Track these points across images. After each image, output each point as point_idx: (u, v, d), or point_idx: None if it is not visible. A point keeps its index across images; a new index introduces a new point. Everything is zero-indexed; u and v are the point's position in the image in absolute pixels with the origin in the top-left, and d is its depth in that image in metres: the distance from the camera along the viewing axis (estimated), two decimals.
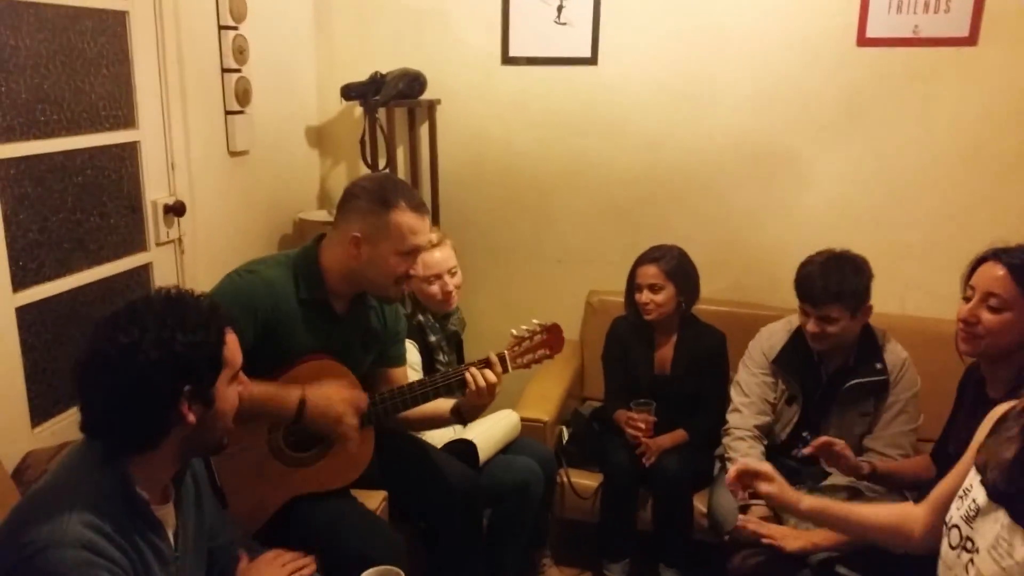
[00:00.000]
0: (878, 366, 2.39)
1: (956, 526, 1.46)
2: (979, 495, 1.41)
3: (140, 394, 1.33)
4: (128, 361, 1.31)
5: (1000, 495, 1.37)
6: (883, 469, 2.25)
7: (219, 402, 1.41)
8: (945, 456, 2.10)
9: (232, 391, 1.46)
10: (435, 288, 2.59)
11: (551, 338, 2.17)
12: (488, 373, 2.09)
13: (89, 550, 1.24)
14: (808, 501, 1.83)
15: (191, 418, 1.37)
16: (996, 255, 1.83)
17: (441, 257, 2.60)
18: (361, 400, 2.03)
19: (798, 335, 2.49)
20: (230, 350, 1.43)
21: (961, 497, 1.47)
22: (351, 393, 2.02)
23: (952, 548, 1.46)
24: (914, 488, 2.27)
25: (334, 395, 1.99)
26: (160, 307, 1.37)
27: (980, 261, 1.86)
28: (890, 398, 2.39)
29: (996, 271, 1.80)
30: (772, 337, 2.55)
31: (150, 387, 1.32)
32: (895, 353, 2.41)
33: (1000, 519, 1.35)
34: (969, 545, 1.41)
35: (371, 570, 1.58)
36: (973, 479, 1.45)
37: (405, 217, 2.00)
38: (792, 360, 2.48)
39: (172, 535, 1.45)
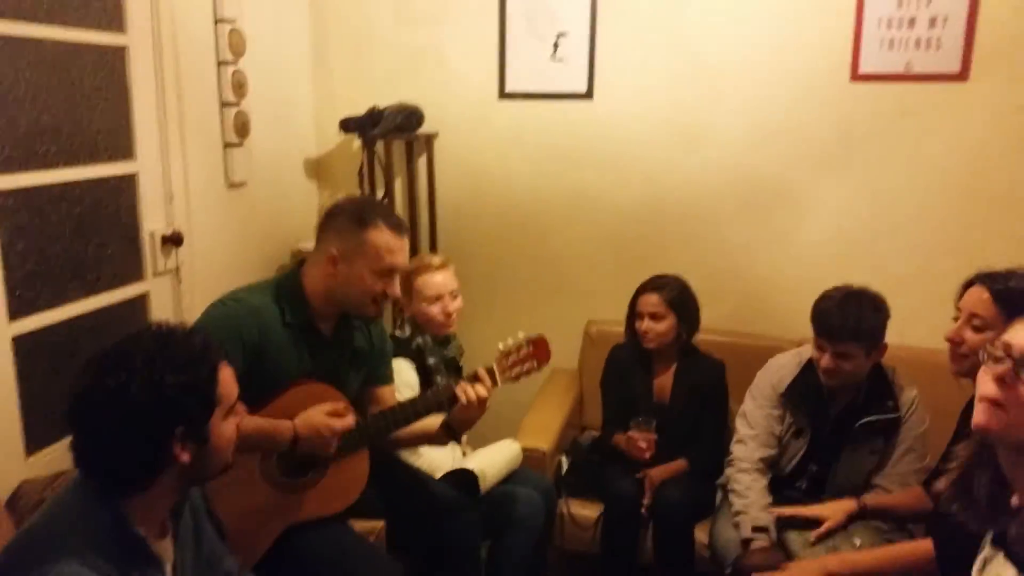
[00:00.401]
0: (890, 404, 2.38)
1: None
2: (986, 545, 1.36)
3: (130, 437, 1.30)
4: (116, 404, 1.29)
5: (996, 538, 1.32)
6: (873, 504, 2.25)
7: (215, 439, 1.39)
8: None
9: (228, 426, 1.43)
10: (435, 309, 2.58)
11: (538, 350, 2.18)
12: (479, 387, 2.08)
13: None
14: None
15: (184, 457, 1.34)
16: (982, 279, 1.92)
17: (442, 280, 2.60)
18: (347, 422, 2.00)
19: (808, 369, 2.46)
20: (224, 386, 1.41)
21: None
22: (336, 413, 1.99)
23: None
24: (913, 521, 2.27)
25: (319, 421, 1.96)
26: (149, 346, 1.34)
27: (968, 284, 1.96)
28: (901, 436, 2.38)
29: (981, 294, 1.90)
30: (781, 370, 2.52)
31: (140, 430, 1.30)
32: (907, 392, 2.41)
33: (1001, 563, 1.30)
34: None
35: None
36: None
37: (382, 236, 2.01)
38: (801, 394, 2.46)
39: (171, 569, 1.42)
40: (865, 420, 2.37)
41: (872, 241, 3.04)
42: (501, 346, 2.17)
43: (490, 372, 2.13)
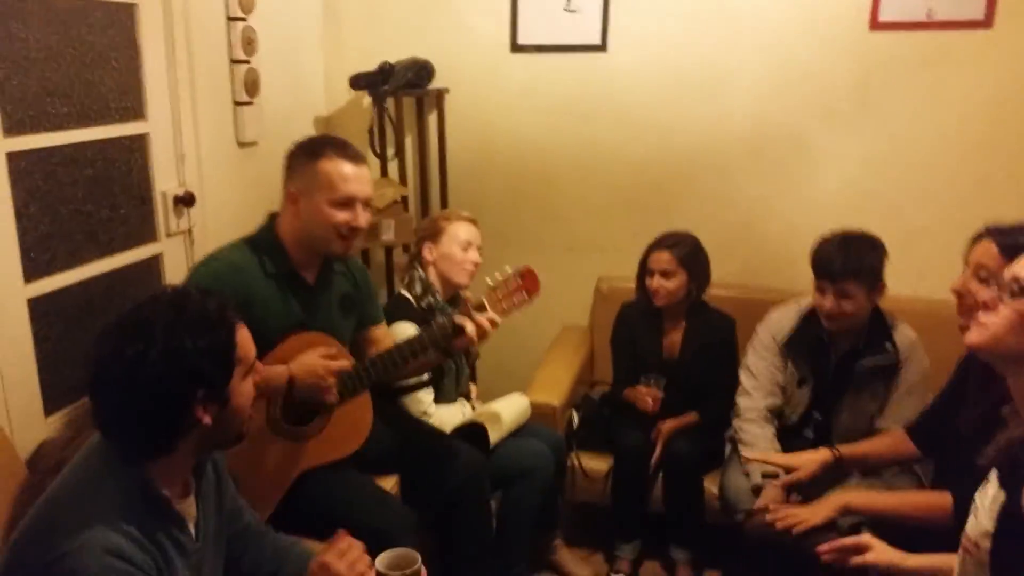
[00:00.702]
0: (889, 348, 2.39)
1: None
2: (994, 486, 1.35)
3: (151, 404, 1.30)
4: (137, 372, 1.28)
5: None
6: (849, 454, 2.25)
7: (235, 398, 1.39)
8: (935, 435, 2.11)
9: (247, 385, 1.44)
10: (465, 255, 2.60)
11: (527, 281, 2.19)
12: (491, 314, 2.11)
13: (114, 555, 1.23)
14: (913, 559, 1.67)
15: (207, 420, 1.34)
16: (990, 233, 1.87)
17: (473, 231, 2.64)
18: (342, 363, 2.03)
19: (808, 318, 2.49)
20: (242, 347, 1.40)
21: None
22: (330, 357, 2.01)
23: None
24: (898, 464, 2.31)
25: (315, 362, 1.99)
26: (166, 312, 1.33)
27: (977, 238, 1.90)
28: (900, 379, 2.39)
29: (989, 248, 1.85)
30: (781, 320, 2.55)
31: (161, 397, 1.30)
32: (905, 335, 2.41)
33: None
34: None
35: (387, 552, 1.55)
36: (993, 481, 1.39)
37: (334, 165, 2.01)
38: (802, 343, 2.48)
39: (193, 526, 1.44)
40: (865, 364, 2.39)
41: (887, 193, 3.00)
42: (489, 281, 2.18)
43: (480, 307, 2.14)
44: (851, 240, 2.35)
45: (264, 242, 2.10)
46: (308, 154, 2.05)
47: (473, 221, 2.67)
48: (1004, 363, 1.38)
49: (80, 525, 1.24)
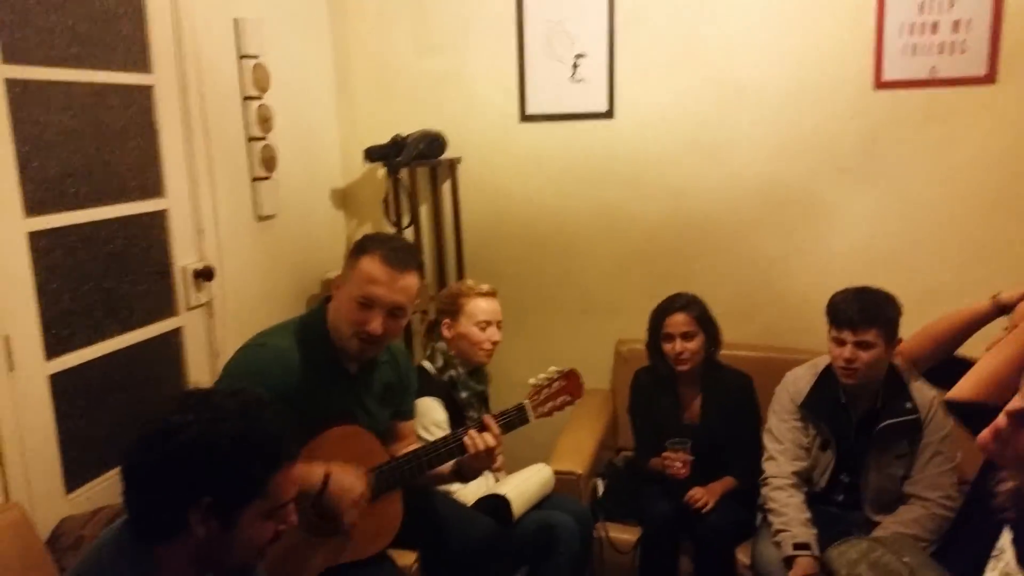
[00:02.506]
0: (908, 405, 2.37)
1: None
2: (1010, 557, 1.31)
3: (158, 478, 1.26)
4: (164, 441, 1.25)
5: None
6: None
7: (241, 531, 1.30)
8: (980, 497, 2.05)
9: (263, 527, 1.33)
10: (483, 335, 2.59)
11: (571, 384, 2.17)
12: (487, 436, 2.06)
13: None
14: None
15: (200, 531, 1.27)
16: None
17: (491, 307, 2.62)
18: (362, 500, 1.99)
19: (824, 377, 2.48)
20: (279, 485, 1.32)
21: (996, 557, 1.37)
22: (363, 486, 1.98)
23: None
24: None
25: (353, 484, 1.95)
26: (232, 404, 1.30)
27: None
28: (924, 439, 2.36)
29: None
30: (798, 381, 2.53)
31: (169, 476, 1.26)
32: (922, 392, 2.39)
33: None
34: None
35: None
36: (1006, 538, 1.35)
37: (370, 263, 1.96)
38: (820, 403, 2.47)
39: None
40: (886, 423, 2.36)
41: (902, 251, 3.00)
42: (533, 381, 2.15)
43: (520, 409, 2.12)
44: (868, 291, 2.38)
45: (311, 329, 2.06)
46: (358, 248, 2.03)
47: (492, 294, 2.66)
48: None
49: None
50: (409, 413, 2.31)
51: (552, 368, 2.16)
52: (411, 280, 2.01)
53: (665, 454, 2.62)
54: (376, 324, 1.96)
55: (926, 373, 2.27)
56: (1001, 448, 1.18)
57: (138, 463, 1.28)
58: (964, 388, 1.68)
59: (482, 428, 2.08)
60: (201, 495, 1.25)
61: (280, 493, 1.32)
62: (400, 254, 2.00)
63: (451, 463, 2.14)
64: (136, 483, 1.29)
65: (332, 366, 2.06)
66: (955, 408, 1.73)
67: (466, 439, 2.05)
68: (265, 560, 1.45)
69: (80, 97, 2.23)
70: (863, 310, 2.31)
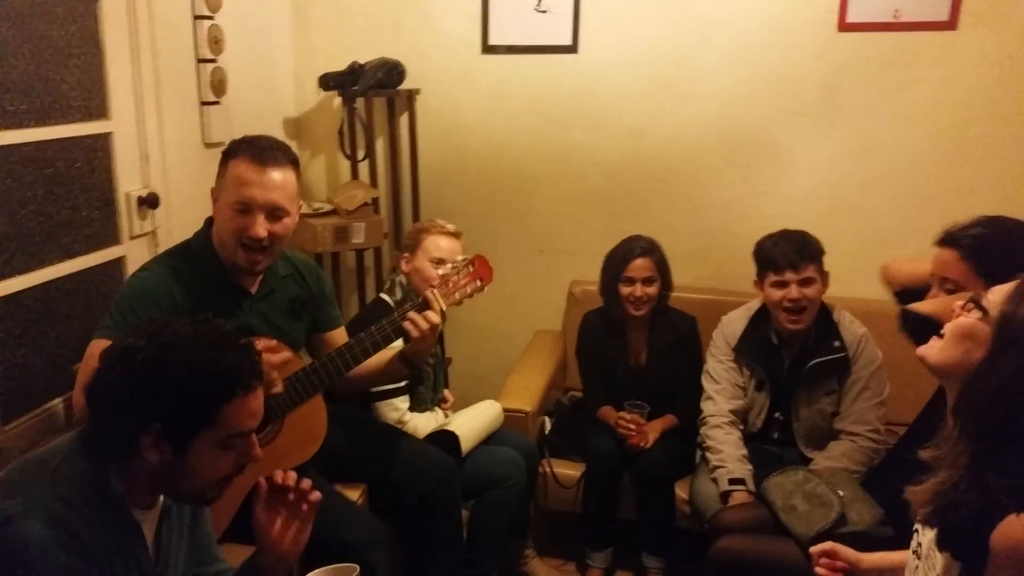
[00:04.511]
0: (836, 344, 2.44)
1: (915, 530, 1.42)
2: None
3: (110, 402, 1.27)
4: (121, 363, 1.26)
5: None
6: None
7: (193, 458, 1.29)
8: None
9: (217, 456, 1.32)
10: (435, 272, 2.55)
11: (479, 268, 2.14)
12: (429, 314, 2.01)
13: (58, 527, 1.19)
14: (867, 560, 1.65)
15: (152, 457, 1.27)
16: (943, 241, 1.86)
17: (450, 246, 2.58)
18: (284, 355, 1.93)
19: (757, 320, 2.55)
20: (230, 415, 1.29)
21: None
22: (270, 350, 1.87)
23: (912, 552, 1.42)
24: None
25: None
26: (188, 332, 1.28)
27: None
28: (852, 375, 2.44)
29: (946, 255, 1.84)
30: (732, 324, 2.60)
31: (122, 399, 1.26)
32: (851, 330, 2.46)
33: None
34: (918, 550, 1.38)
35: (321, 569, 1.45)
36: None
37: (239, 166, 1.88)
38: (753, 346, 2.53)
39: (152, 545, 1.38)
40: (814, 362, 2.43)
41: (859, 194, 3.02)
42: (441, 271, 2.14)
43: (423, 306, 2.06)
44: (794, 232, 2.45)
45: (196, 248, 1.99)
46: (226, 152, 1.93)
47: (455, 235, 2.61)
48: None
49: (26, 489, 1.21)
50: (333, 322, 2.25)
51: (459, 256, 2.14)
52: (285, 176, 1.92)
53: (620, 414, 2.64)
54: (258, 228, 1.88)
55: (899, 293, 2.24)
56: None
57: (95, 384, 1.29)
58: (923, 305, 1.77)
59: (423, 308, 2.03)
60: (152, 421, 1.25)
61: (232, 423, 1.30)
62: (269, 152, 1.91)
63: (390, 357, 2.12)
64: (92, 404, 1.31)
65: (226, 285, 1.99)
66: (910, 320, 1.78)
67: (407, 323, 2.00)
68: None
69: (20, 8, 2.12)
70: (799, 249, 2.39)
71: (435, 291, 2.05)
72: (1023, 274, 1.67)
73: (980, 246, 1.80)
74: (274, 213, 1.91)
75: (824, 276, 2.43)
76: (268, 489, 1.53)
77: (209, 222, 2.02)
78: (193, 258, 1.98)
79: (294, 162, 1.98)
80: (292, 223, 1.97)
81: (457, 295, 2.10)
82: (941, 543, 1.23)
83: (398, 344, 2.10)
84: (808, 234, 2.45)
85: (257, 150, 1.90)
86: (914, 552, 1.40)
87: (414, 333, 2.00)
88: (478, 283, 2.13)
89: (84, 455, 1.29)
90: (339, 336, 2.24)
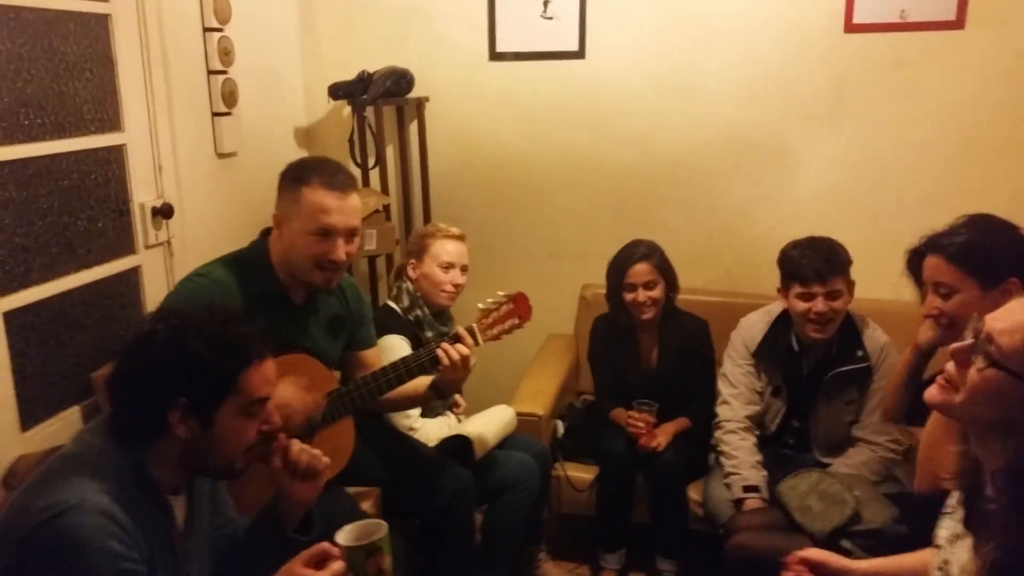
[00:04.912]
0: (859, 353, 2.40)
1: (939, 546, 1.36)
2: (960, 516, 1.30)
3: (138, 386, 1.34)
4: (141, 348, 1.34)
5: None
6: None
7: (219, 429, 1.37)
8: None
9: (242, 424, 1.40)
10: (446, 276, 2.57)
11: (518, 306, 2.15)
12: (460, 347, 2.05)
13: (107, 517, 1.25)
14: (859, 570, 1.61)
15: (181, 431, 1.34)
16: (929, 248, 1.88)
17: (457, 250, 2.61)
18: (315, 398, 1.99)
19: (777, 326, 2.49)
20: (250, 381, 1.37)
21: (948, 514, 1.37)
22: (305, 399, 1.97)
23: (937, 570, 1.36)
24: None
25: (294, 401, 1.93)
26: (200, 313, 1.38)
27: (919, 257, 1.91)
28: (874, 384, 2.40)
29: (935, 262, 1.85)
30: (752, 327, 2.55)
31: (146, 382, 1.33)
32: (874, 339, 2.42)
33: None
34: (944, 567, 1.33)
35: (350, 525, 1.47)
36: (956, 496, 1.35)
37: (315, 194, 1.94)
38: (773, 351, 2.49)
39: (183, 522, 1.45)
40: (835, 371, 2.39)
41: (867, 196, 3.02)
42: (481, 305, 2.15)
43: (471, 331, 2.10)
44: (818, 242, 2.37)
45: (252, 260, 2.04)
46: (293, 178, 1.99)
47: (460, 238, 2.64)
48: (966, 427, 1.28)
49: (73, 483, 1.27)
50: (367, 342, 2.29)
51: (500, 292, 2.16)
52: (357, 200, 2.03)
53: (630, 413, 2.65)
54: (340, 252, 1.98)
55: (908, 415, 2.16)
56: (951, 396, 1.21)
57: (118, 373, 1.36)
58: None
59: (455, 340, 2.08)
60: (177, 397, 1.32)
61: (252, 389, 1.38)
62: (340, 176, 1.99)
63: (427, 385, 2.17)
64: (118, 392, 1.37)
65: (277, 299, 2.04)
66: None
67: (439, 352, 2.05)
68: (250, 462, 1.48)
69: (33, 24, 2.15)
70: (828, 260, 2.31)
71: (472, 325, 2.10)
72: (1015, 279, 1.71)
73: (964, 247, 1.82)
74: (350, 236, 2.00)
75: (851, 286, 2.37)
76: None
77: (264, 235, 2.07)
78: (249, 270, 2.02)
79: (356, 182, 2.08)
80: (361, 240, 2.06)
81: (495, 331, 2.13)
82: None
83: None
84: (835, 242, 2.37)
85: (329, 175, 1.97)
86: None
87: (445, 362, 2.05)
88: (516, 321, 2.15)
89: (119, 446, 1.35)
90: (371, 356, 2.28)
